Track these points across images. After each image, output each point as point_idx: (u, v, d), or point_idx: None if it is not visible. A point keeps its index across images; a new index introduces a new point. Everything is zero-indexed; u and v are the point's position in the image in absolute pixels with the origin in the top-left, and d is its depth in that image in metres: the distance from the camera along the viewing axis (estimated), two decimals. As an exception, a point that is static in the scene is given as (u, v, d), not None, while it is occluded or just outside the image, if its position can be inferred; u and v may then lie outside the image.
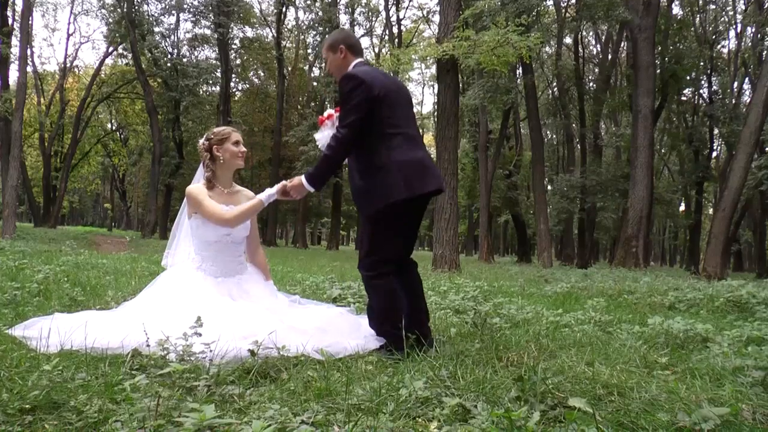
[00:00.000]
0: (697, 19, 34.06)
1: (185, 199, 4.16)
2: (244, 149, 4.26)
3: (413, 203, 3.67)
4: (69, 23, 52.27)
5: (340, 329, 3.94)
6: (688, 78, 31.78)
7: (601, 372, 3.28)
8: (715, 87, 34.73)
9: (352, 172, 3.76)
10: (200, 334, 3.27)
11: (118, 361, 3.12)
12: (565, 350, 4.08)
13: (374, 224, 3.66)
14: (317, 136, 3.99)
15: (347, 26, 39.83)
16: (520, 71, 26.89)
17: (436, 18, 35.07)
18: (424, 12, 42.29)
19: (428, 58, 15.48)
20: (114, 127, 52.22)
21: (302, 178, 3.71)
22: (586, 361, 3.67)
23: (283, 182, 3.85)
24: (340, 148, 3.58)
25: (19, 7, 26.31)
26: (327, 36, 4.10)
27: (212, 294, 3.93)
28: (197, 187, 4.11)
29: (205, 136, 4.26)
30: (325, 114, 4.01)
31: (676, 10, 34.05)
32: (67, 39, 44.65)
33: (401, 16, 39.10)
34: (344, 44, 3.82)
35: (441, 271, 12.93)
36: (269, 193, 3.92)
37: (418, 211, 3.82)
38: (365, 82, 3.54)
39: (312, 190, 3.73)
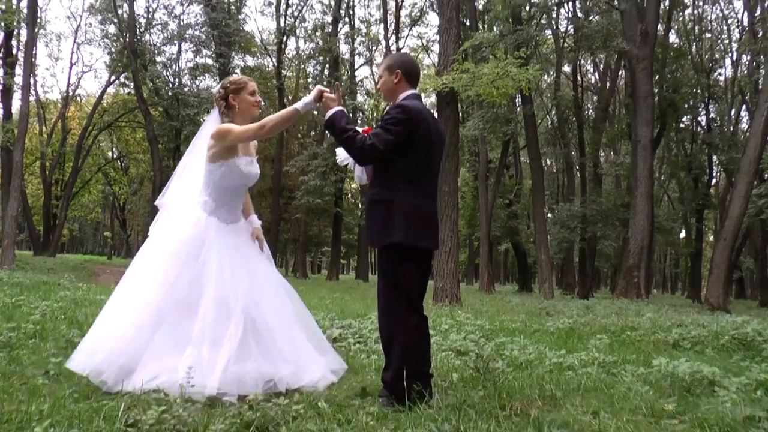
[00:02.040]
0: (693, 47, 34.32)
1: (210, 137, 4.02)
2: (259, 99, 4.24)
3: (413, 252, 3.65)
4: (72, 52, 52.57)
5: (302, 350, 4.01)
6: (686, 106, 31.93)
7: (607, 425, 3.21)
8: (712, 114, 34.89)
9: (373, 188, 3.78)
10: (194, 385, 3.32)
11: (113, 415, 3.04)
12: (569, 397, 4.00)
13: (389, 259, 3.67)
14: (339, 151, 4.02)
15: (347, 56, 40.10)
16: (519, 101, 27.02)
17: (436, 47, 35.43)
18: (424, 41, 42.66)
19: (428, 89, 15.50)
20: (115, 156, 52.32)
21: (335, 110, 3.69)
22: (592, 410, 3.60)
23: (320, 87, 3.79)
24: (360, 150, 3.59)
25: (23, 37, 26.46)
26: (385, 58, 4.10)
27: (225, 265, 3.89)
28: (225, 124, 4.03)
29: (221, 85, 4.21)
30: (360, 130, 4.01)
31: (673, 38, 34.40)
32: (70, 68, 45.02)
33: (401, 46, 39.37)
34: (402, 70, 3.81)
35: (442, 305, 12.83)
36: (305, 101, 3.83)
37: (422, 262, 3.78)
38: (412, 120, 3.59)
39: (326, 117, 3.72)
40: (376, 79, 4.02)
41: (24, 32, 25.24)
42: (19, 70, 27.79)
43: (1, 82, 26.71)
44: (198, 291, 3.77)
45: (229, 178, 4.01)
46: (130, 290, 3.90)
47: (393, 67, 3.82)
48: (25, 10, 22.82)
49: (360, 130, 3.87)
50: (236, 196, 4.14)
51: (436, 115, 15.56)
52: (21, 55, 26.42)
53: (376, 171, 3.77)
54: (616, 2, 24.09)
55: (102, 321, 3.89)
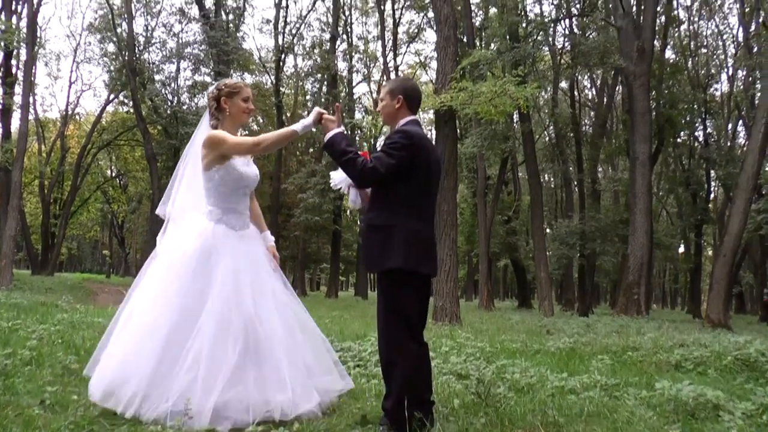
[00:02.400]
0: (690, 62, 34.49)
1: (202, 146, 3.96)
2: (252, 107, 4.17)
3: (413, 278, 3.62)
4: (71, 71, 52.55)
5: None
6: (683, 121, 32.04)
7: (611, 455, 3.16)
8: (709, 129, 34.99)
9: (371, 212, 3.75)
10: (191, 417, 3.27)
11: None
12: (572, 424, 3.96)
13: (389, 284, 3.63)
14: (333, 174, 3.99)
15: (345, 73, 40.26)
16: (517, 118, 27.07)
17: (433, 64, 35.52)
18: (422, 58, 42.86)
19: (426, 107, 15.53)
20: (114, 174, 52.34)
21: (335, 132, 3.68)
22: (595, 438, 3.55)
23: (319, 109, 3.79)
24: (360, 173, 3.56)
25: (23, 57, 26.57)
26: (387, 81, 4.09)
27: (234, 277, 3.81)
28: (218, 131, 3.97)
29: (216, 85, 4.14)
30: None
31: (669, 53, 34.55)
32: (69, 87, 45.06)
33: (398, 63, 39.55)
34: (404, 95, 3.80)
35: (442, 324, 12.76)
36: (305, 123, 3.82)
37: (422, 287, 3.74)
38: (414, 146, 3.59)
39: (325, 139, 3.69)
40: (378, 102, 4.00)
41: (24, 52, 25.30)
42: (18, 89, 27.88)
43: (1, 101, 26.75)
44: (201, 306, 3.69)
45: (228, 181, 3.95)
46: (139, 308, 3.84)
47: (395, 91, 3.81)
48: (24, 30, 22.90)
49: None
50: (240, 200, 4.06)
51: (434, 133, 15.62)
52: (20, 75, 26.48)
53: (375, 196, 3.75)
54: (612, 19, 24.24)
55: (112, 342, 3.85)
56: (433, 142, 17.61)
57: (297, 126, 3.82)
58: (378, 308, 3.71)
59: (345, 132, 3.74)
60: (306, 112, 44.47)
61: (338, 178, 3.92)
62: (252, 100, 4.19)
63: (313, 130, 3.95)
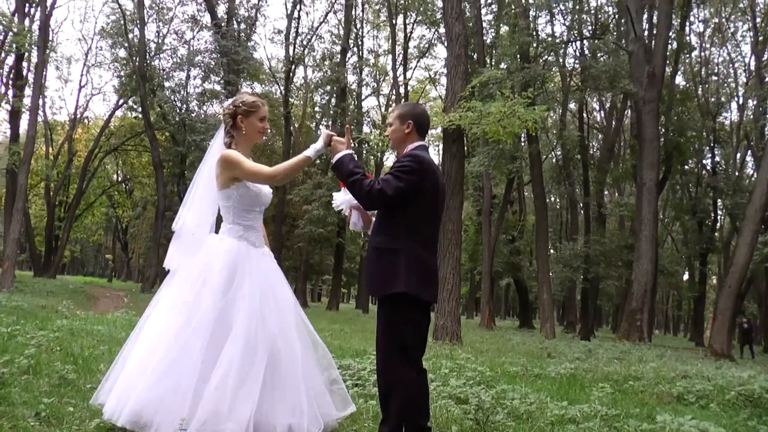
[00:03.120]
0: (700, 89, 34.49)
1: (216, 164, 3.88)
2: (267, 126, 4.10)
3: (414, 304, 3.59)
4: (82, 75, 53.15)
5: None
6: (691, 149, 31.98)
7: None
8: (717, 158, 34.96)
9: (377, 236, 3.71)
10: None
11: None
12: (572, 457, 3.90)
13: (390, 309, 3.60)
14: (336, 195, 3.97)
15: (354, 86, 40.37)
16: (524, 138, 27.08)
17: (443, 80, 35.64)
18: (431, 73, 42.99)
19: (435, 125, 15.52)
20: (120, 179, 52.50)
21: (344, 153, 3.65)
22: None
23: (328, 132, 3.76)
24: (367, 194, 3.52)
25: (35, 59, 26.72)
26: (397, 106, 4.05)
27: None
28: (233, 151, 3.87)
29: (232, 101, 4.04)
30: None
31: (679, 79, 34.56)
32: (79, 90, 45.31)
33: (408, 77, 39.67)
34: (413, 121, 3.77)
35: (442, 343, 12.69)
36: (316, 147, 3.76)
37: (422, 314, 3.71)
38: (423, 171, 3.57)
39: (333, 160, 3.68)
40: (387, 126, 3.98)
41: (35, 55, 25.45)
42: (28, 91, 28.05)
43: (11, 104, 26.91)
44: (228, 324, 3.61)
45: (246, 199, 3.89)
46: (165, 328, 3.70)
47: (405, 117, 3.79)
48: (37, 33, 23.04)
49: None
50: (257, 217, 4.01)
51: (442, 151, 15.61)
52: (31, 77, 26.64)
53: (380, 220, 3.72)
54: (624, 43, 24.29)
55: (134, 361, 3.70)
56: (440, 160, 17.50)
57: (309, 152, 3.76)
58: (377, 333, 3.67)
59: (353, 153, 3.71)
60: (314, 124, 44.86)
61: (340, 199, 3.90)
62: (267, 118, 4.13)
63: (334, 197, 3.94)
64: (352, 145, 3.62)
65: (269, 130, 42.73)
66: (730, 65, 36.33)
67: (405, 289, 3.50)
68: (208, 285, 3.69)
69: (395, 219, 3.60)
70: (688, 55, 33.90)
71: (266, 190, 4.05)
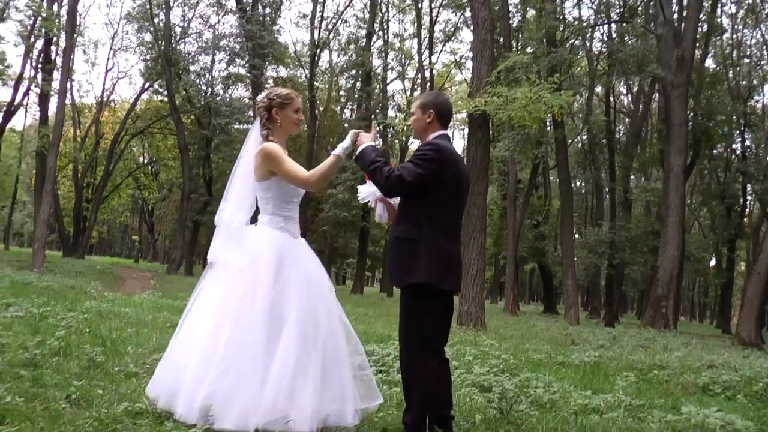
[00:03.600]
0: (731, 73, 33.80)
1: (256, 156, 3.90)
2: (302, 117, 4.14)
3: (436, 293, 3.61)
4: (108, 59, 53.34)
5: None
6: (720, 133, 31.39)
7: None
8: (748, 142, 34.26)
9: (398, 225, 3.74)
10: None
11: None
12: (595, 447, 3.90)
13: (411, 298, 3.62)
14: (361, 188, 3.98)
15: (379, 70, 40.21)
16: (550, 122, 26.80)
17: (469, 64, 35.39)
18: (457, 57, 42.68)
19: (458, 113, 15.44)
20: (146, 161, 53.02)
21: (367, 144, 3.70)
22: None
23: (354, 131, 3.81)
24: (386, 180, 3.54)
25: (63, 44, 26.98)
26: (419, 95, 4.06)
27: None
28: (274, 145, 3.91)
29: (266, 94, 4.07)
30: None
31: (709, 62, 33.88)
32: (106, 74, 45.81)
33: (434, 61, 39.42)
34: (435, 110, 3.79)
35: (466, 328, 12.71)
36: (344, 146, 3.82)
37: (444, 304, 3.72)
38: (444, 159, 3.58)
39: (357, 151, 3.73)
40: (409, 115, 3.98)
41: (63, 39, 25.69)
42: (56, 75, 28.38)
43: (40, 87, 27.24)
44: (281, 315, 3.63)
45: (287, 189, 3.93)
46: (218, 321, 3.68)
47: (427, 106, 3.80)
48: (64, 18, 23.24)
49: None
50: (296, 207, 4.05)
51: (467, 136, 15.54)
52: (59, 61, 26.91)
53: (402, 209, 3.74)
54: (653, 26, 23.88)
55: (196, 354, 3.65)
56: (466, 145, 17.39)
57: (338, 151, 3.81)
58: (400, 322, 3.70)
59: (376, 145, 3.72)
60: (339, 108, 44.82)
61: (365, 192, 3.91)
62: (301, 109, 4.15)
63: (359, 190, 3.96)
64: (378, 138, 3.62)
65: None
66: (764, 47, 35.44)
67: (424, 279, 3.52)
68: (258, 277, 3.70)
69: (416, 208, 3.62)
70: (719, 38, 33.17)
71: None
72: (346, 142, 3.81)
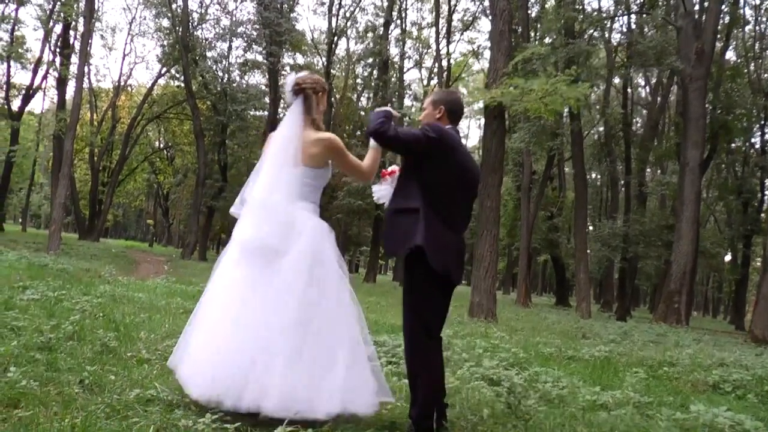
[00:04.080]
0: (752, 65, 33.32)
1: (318, 143, 3.84)
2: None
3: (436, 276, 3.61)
4: (126, 44, 53.78)
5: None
6: (739, 127, 31.01)
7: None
8: (767, 137, 33.83)
9: (396, 198, 3.77)
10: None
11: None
12: (602, 444, 3.91)
13: (412, 277, 3.65)
14: (375, 188, 4.01)
15: (397, 59, 40.08)
16: (566, 114, 26.63)
17: (487, 53, 35.13)
18: (475, 46, 42.44)
19: (476, 102, 15.37)
20: (161, 146, 53.32)
21: (376, 110, 3.70)
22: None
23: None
24: (381, 125, 3.54)
25: (81, 28, 27.11)
26: (432, 92, 4.07)
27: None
28: (337, 138, 3.92)
29: (310, 77, 4.03)
30: (389, 169, 4.01)
31: (730, 54, 33.42)
32: (123, 59, 45.91)
33: (451, 50, 39.21)
34: (445, 106, 3.83)
35: (477, 320, 12.72)
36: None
37: (444, 293, 3.75)
38: (442, 142, 3.60)
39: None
40: (421, 110, 4.00)
41: (81, 24, 25.82)
42: (74, 59, 28.55)
43: (58, 71, 27.41)
44: (319, 304, 3.62)
45: (324, 182, 3.95)
46: (258, 305, 3.61)
47: (438, 102, 3.85)
48: (83, 3, 23.34)
49: (388, 170, 4.00)
50: (320, 197, 4.04)
51: (483, 129, 15.46)
52: (77, 46, 27.05)
53: (398, 185, 3.78)
54: (673, 18, 23.61)
55: (229, 340, 3.58)
56: (482, 136, 17.32)
57: (374, 144, 3.92)
58: (403, 318, 3.72)
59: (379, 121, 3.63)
60: (356, 96, 44.69)
61: (379, 192, 3.94)
62: None
63: (362, 113, 3.96)
64: (398, 115, 3.61)
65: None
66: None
67: (421, 242, 3.49)
68: (323, 270, 3.71)
69: (413, 185, 3.64)
70: (740, 30, 32.70)
71: None
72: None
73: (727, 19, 28.29)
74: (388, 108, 3.74)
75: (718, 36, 25.16)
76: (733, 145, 33.42)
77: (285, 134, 3.93)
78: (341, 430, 3.47)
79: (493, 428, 3.95)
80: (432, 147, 3.57)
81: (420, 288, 3.63)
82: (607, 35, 29.43)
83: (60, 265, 14.25)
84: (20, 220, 50.07)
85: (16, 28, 34.15)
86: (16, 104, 35.74)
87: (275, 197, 3.79)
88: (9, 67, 35.19)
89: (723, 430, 4.30)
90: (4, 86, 35.17)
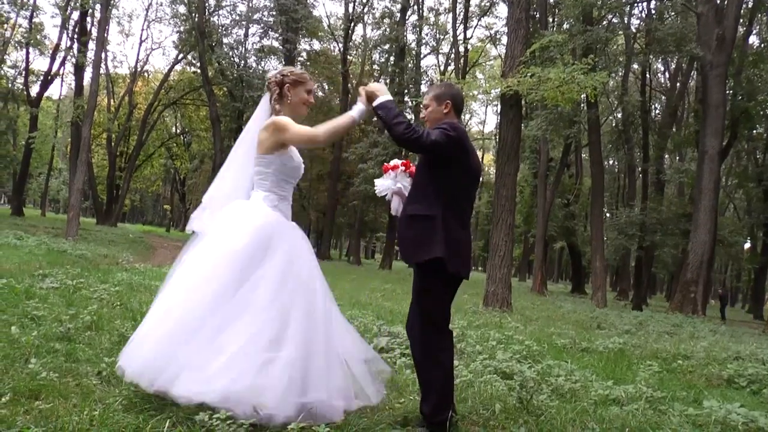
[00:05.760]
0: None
1: (262, 130, 3.80)
2: (312, 100, 4.06)
3: (450, 274, 3.61)
4: (142, 30, 53.87)
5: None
6: (761, 113, 30.53)
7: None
8: (790, 123, 33.31)
9: (411, 204, 3.71)
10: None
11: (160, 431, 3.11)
12: (613, 440, 3.91)
13: (424, 276, 3.63)
14: (378, 182, 3.99)
15: (413, 45, 39.89)
16: (583, 100, 26.40)
17: (504, 39, 34.87)
18: (492, 32, 42.14)
19: (493, 89, 15.28)
20: (178, 132, 53.53)
21: (388, 98, 3.62)
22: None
23: (362, 88, 3.74)
24: (410, 132, 3.44)
25: (98, 16, 27.22)
26: (431, 88, 4.03)
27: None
28: (284, 116, 3.83)
29: (280, 71, 4.00)
30: (391, 163, 4.00)
31: (753, 39, 32.86)
32: (140, 45, 46.34)
33: (468, 36, 38.96)
34: (451, 101, 3.79)
35: (492, 309, 12.72)
36: (360, 109, 3.73)
37: (453, 289, 3.76)
38: (460, 139, 3.56)
39: (373, 105, 3.62)
40: (423, 108, 3.95)
41: (98, 11, 25.91)
42: (92, 45, 28.67)
43: (75, 58, 27.55)
44: (255, 295, 3.52)
45: (286, 169, 3.86)
46: (190, 288, 3.60)
47: (443, 97, 3.79)
48: (100, -11, 23.40)
49: (391, 164, 3.99)
50: (291, 189, 3.97)
51: (499, 116, 15.38)
52: (95, 32, 27.15)
53: (415, 188, 3.74)
54: (693, 4, 23.28)
55: (199, 337, 3.47)
56: (498, 124, 17.20)
57: (353, 113, 3.73)
58: (412, 311, 3.72)
59: (386, 103, 3.61)
60: (372, 82, 44.43)
61: (382, 185, 3.92)
62: (313, 93, 4.12)
63: (376, 183, 3.92)
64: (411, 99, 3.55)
65: (326, 86, 42.49)
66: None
67: (442, 254, 3.48)
68: (241, 253, 3.61)
69: (430, 188, 3.60)
70: (764, 15, 32.12)
71: (301, 163, 4.01)
72: (361, 104, 3.73)
73: (750, 3, 27.79)
74: (387, 96, 3.64)
75: (741, 20, 24.72)
76: (754, 132, 32.95)
77: (249, 128, 3.99)
78: (353, 425, 3.51)
79: (504, 423, 3.96)
80: (455, 148, 3.55)
81: (433, 293, 3.62)
82: (626, 20, 29.08)
83: (78, 251, 14.42)
84: (39, 204, 50.52)
85: (34, 15, 34.47)
86: (34, 90, 36.03)
87: (236, 194, 3.89)
88: (28, 53, 35.59)
89: (736, 427, 4.29)
90: (23, 72, 35.50)
